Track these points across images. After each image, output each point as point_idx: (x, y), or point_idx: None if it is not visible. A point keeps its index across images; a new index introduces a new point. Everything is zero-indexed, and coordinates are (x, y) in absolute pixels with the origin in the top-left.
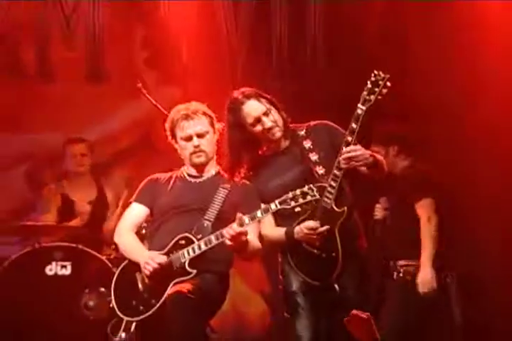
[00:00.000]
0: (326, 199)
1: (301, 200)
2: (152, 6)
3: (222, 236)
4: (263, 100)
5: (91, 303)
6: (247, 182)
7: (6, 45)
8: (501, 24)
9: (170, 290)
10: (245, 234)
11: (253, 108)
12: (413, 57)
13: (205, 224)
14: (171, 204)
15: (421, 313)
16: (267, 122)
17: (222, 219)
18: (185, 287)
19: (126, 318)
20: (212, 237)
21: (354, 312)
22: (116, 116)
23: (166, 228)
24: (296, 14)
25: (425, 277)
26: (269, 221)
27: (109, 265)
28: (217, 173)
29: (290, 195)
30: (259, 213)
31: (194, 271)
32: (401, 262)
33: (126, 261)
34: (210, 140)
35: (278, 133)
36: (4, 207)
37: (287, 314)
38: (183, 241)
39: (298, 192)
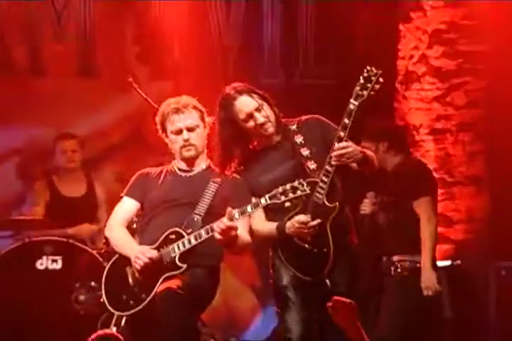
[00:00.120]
0: (317, 194)
1: (291, 195)
2: (144, 2)
3: (213, 230)
4: (255, 96)
5: (82, 298)
6: (238, 177)
7: None
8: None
9: (160, 286)
10: (235, 228)
11: (245, 104)
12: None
13: (196, 219)
14: (162, 199)
15: (418, 308)
16: (260, 118)
17: (213, 214)
18: (175, 282)
19: (116, 313)
20: (203, 231)
21: (336, 297)
22: (108, 110)
23: (157, 222)
24: (288, 11)
25: (428, 281)
26: (259, 215)
27: (100, 259)
28: (208, 167)
29: (280, 189)
30: (249, 208)
31: (184, 266)
32: (396, 257)
33: (116, 256)
34: (201, 134)
35: (270, 128)
36: None
37: (278, 308)
38: (173, 236)
39: (288, 186)
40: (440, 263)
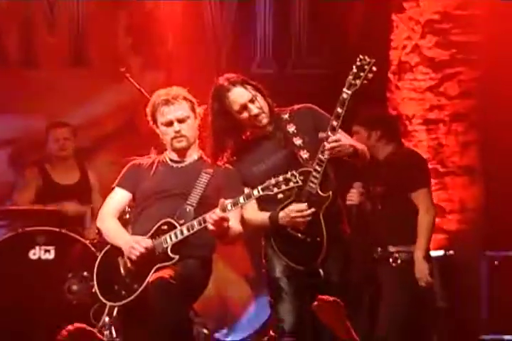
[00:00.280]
0: (311, 183)
1: (283, 187)
2: None
3: (205, 221)
4: (249, 87)
5: (74, 287)
6: (230, 167)
7: None
8: None
9: (152, 276)
10: (227, 219)
11: (239, 95)
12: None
13: (188, 209)
14: (154, 189)
15: (414, 300)
16: (253, 109)
17: (205, 204)
18: (167, 272)
19: (108, 303)
20: (195, 222)
21: (321, 296)
22: (100, 101)
23: (149, 213)
24: (281, 2)
25: (421, 272)
26: (251, 205)
27: (93, 249)
28: (200, 158)
29: (273, 181)
30: (241, 199)
31: (176, 257)
32: (392, 248)
33: (108, 246)
34: (191, 125)
35: (264, 119)
36: None
37: (270, 298)
38: (165, 227)
39: (281, 178)
40: (433, 254)
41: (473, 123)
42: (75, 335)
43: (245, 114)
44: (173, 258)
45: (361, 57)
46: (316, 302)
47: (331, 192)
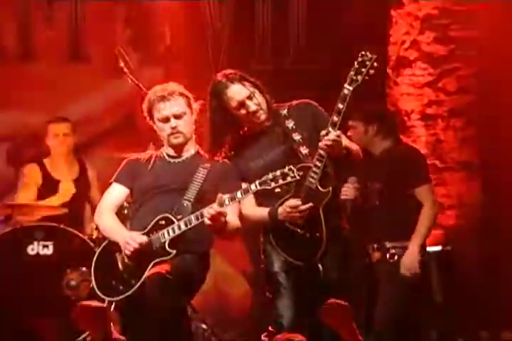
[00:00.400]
0: (310, 179)
1: (281, 181)
2: None
3: (202, 216)
4: (247, 83)
5: (73, 283)
6: (227, 162)
7: None
8: None
9: (149, 271)
10: (225, 214)
11: (237, 92)
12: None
13: (185, 204)
14: (151, 185)
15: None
16: (251, 106)
17: (202, 199)
18: (165, 267)
19: (106, 298)
20: (192, 217)
21: (332, 300)
22: (99, 96)
23: (146, 208)
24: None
25: (410, 263)
26: (249, 200)
27: (91, 245)
28: (197, 153)
29: (270, 175)
30: (239, 194)
31: (174, 252)
32: (388, 244)
33: (106, 241)
34: (188, 120)
35: (262, 116)
36: None
37: (269, 294)
38: (163, 222)
39: (278, 173)
40: (431, 249)
41: (472, 119)
42: (86, 311)
43: (243, 111)
44: (171, 253)
45: (363, 53)
46: (325, 306)
47: (330, 188)
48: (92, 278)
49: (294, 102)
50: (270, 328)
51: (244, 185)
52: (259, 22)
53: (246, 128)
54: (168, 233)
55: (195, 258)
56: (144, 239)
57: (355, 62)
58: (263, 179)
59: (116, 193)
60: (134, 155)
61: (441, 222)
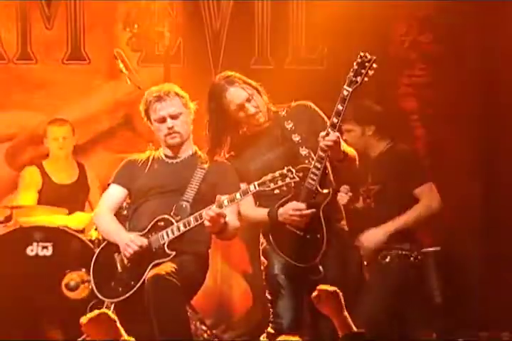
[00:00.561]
0: (310, 180)
1: (280, 182)
2: None
3: (202, 217)
4: (245, 86)
5: (72, 284)
6: (225, 162)
7: None
8: None
9: (149, 272)
10: (224, 216)
11: (236, 95)
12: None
13: (184, 205)
14: (149, 186)
15: (403, 294)
16: (250, 108)
17: (201, 200)
18: (164, 269)
19: (105, 299)
20: (192, 219)
21: (320, 287)
22: (98, 97)
23: (145, 209)
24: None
25: (374, 237)
26: (248, 201)
27: (91, 246)
28: (194, 153)
29: (269, 176)
30: (238, 195)
31: (173, 253)
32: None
33: (105, 242)
34: (185, 120)
35: (261, 118)
36: None
37: (269, 295)
38: (162, 223)
39: (277, 174)
40: (429, 250)
41: (472, 119)
42: (95, 322)
43: (242, 113)
44: (170, 255)
45: (362, 54)
46: (315, 293)
47: (331, 189)
48: (91, 279)
49: (293, 103)
50: (270, 329)
51: (243, 186)
52: (258, 22)
53: (245, 129)
54: (168, 234)
55: (194, 259)
56: (145, 241)
57: (354, 63)
58: (262, 180)
59: (115, 194)
60: (132, 156)
61: (440, 222)
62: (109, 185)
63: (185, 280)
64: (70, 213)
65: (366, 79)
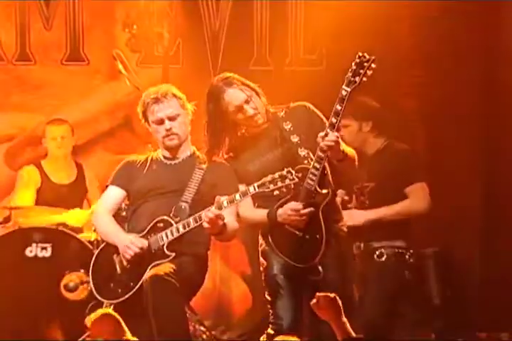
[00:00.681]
0: (309, 181)
1: (279, 184)
2: None
3: (201, 219)
4: (244, 87)
5: (71, 285)
6: (224, 163)
7: None
8: None
9: (148, 273)
10: (223, 217)
11: (234, 96)
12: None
13: (183, 206)
14: (148, 187)
15: (400, 293)
16: (249, 110)
17: (200, 201)
18: (163, 269)
19: (104, 301)
20: (191, 220)
21: (320, 294)
22: (97, 98)
23: (144, 210)
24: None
25: (360, 217)
26: (247, 202)
27: (90, 247)
28: (193, 154)
29: (269, 178)
30: (237, 196)
31: (173, 254)
32: (376, 244)
33: (104, 244)
34: (182, 122)
35: (260, 120)
36: None
37: (268, 296)
38: (161, 224)
39: (276, 175)
40: (429, 250)
41: (472, 119)
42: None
43: (241, 115)
44: (169, 256)
45: (360, 54)
46: (314, 300)
47: (330, 190)
48: (90, 280)
49: (291, 104)
50: (269, 330)
51: (242, 187)
52: (257, 23)
53: (244, 131)
54: (167, 235)
55: (194, 260)
56: (145, 243)
57: (353, 64)
58: (261, 181)
59: (113, 195)
60: (131, 157)
61: (439, 222)
62: (107, 186)
63: (184, 281)
64: None
65: (365, 79)
